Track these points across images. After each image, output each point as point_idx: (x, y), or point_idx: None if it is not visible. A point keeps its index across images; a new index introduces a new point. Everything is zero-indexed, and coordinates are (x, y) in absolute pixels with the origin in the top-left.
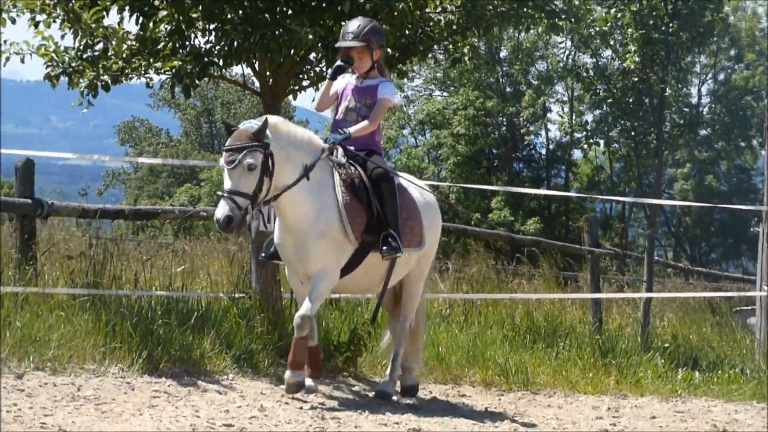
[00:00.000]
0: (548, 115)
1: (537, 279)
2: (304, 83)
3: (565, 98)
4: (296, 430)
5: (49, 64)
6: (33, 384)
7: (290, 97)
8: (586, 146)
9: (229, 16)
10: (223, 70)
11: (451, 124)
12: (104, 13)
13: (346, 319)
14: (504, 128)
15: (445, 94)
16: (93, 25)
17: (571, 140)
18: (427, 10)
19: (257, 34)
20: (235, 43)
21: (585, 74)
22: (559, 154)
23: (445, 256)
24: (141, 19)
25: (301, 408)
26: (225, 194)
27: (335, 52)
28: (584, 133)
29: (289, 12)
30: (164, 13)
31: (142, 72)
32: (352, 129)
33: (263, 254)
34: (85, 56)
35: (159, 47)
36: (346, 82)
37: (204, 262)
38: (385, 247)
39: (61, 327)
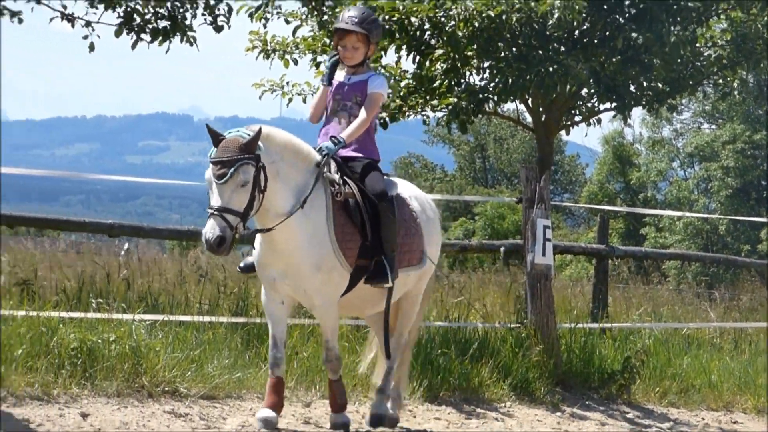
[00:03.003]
0: None
1: None
2: (576, 118)
3: None
4: None
5: None
6: (320, 412)
7: (563, 132)
8: None
9: (503, 54)
10: (497, 106)
11: (720, 157)
12: (383, 53)
13: (619, 347)
14: None
15: (713, 127)
16: (371, 65)
17: None
18: (697, 44)
19: (532, 71)
20: (510, 80)
21: None
22: None
23: (714, 286)
24: (418, 58)
25: None
26: (215, 211)
27: (608, 88)
28: None
29: (563, 49)
30: (440, 51)
31: (419, 110)
32: (344, 134)
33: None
34: None
35: (435, 85)
36: (335, 80)
37: (479, 293)
38: (372, 275)
39: (345, 356)
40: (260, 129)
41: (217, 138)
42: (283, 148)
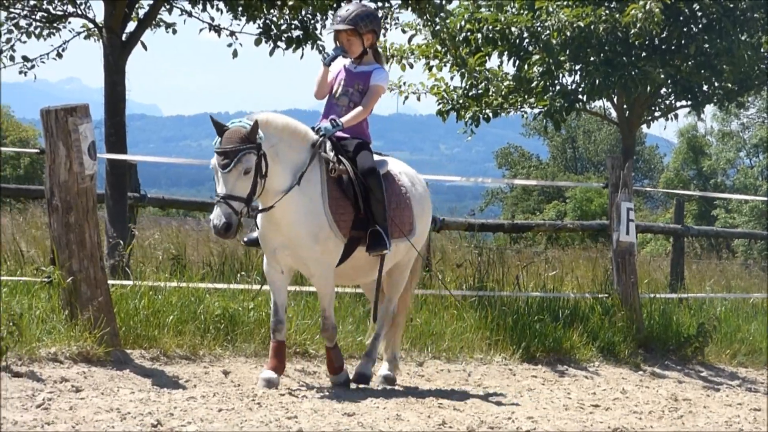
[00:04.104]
0: None
1: None
2: (656, 114)
3: None
4: (653, 410)
5: (440, 101)
6: (431, 371)
7: (643, 125)
8: None
9: (592, 59)
10: (586, 104)
11: None
12: (487, 58)
13: (694, 315)
14: None
15: None
16: (477, 68)
17: None
18: (762, 50)
19: (616, 74)
20: (597, 81)
21: None
22: None
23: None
24: (517, 62)
25: (657, 390)
26: (221, 199)
27: (683, 88)
28: None
29: (643, 54)
30: (536, 57)
31: (518, 107)
32: (344, 119)
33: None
34: (470, 94)
35: (532, 86)
36: (341, 66)
37: (571, 267)
38: (371, 245)
39: (453, 323)
40: (257, 120)
41: (221, 129)
42: (282, 131)
